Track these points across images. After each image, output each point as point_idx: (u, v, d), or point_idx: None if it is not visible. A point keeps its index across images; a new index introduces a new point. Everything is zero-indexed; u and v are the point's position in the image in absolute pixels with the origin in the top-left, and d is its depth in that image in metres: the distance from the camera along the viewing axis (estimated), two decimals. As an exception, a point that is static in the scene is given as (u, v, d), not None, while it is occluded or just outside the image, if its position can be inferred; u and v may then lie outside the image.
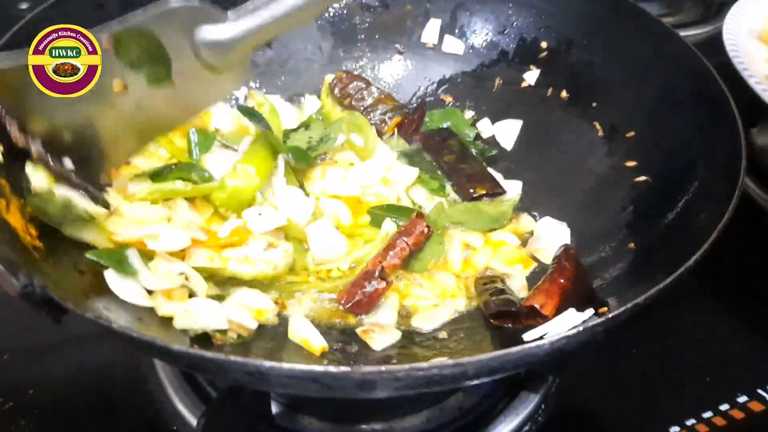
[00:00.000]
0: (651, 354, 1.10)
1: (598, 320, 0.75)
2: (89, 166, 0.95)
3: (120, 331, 0.68)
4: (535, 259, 1.12)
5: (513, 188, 1.23)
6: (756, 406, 1.05)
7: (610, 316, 0.74)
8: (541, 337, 0.85)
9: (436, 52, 1.38)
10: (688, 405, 1.05)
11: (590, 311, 0.91)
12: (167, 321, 0.89)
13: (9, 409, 1.02)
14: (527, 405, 1.04)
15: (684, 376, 1.09)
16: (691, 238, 0.86)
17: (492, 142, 1.31)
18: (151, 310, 0.90)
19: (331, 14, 1.38)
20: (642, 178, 1.10)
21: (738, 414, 1.04)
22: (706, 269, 1.15)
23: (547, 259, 1.09)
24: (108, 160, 1.00)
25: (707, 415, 1.04)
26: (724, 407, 1.05)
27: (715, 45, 1.31)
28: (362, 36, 1.39)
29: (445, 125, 1.31)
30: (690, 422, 1.03)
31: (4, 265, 0.69)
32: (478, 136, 1.31)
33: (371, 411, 1.02)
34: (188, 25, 0.94)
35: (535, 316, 0.94)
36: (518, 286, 1.07)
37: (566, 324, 0.89)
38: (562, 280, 0.98)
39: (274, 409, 1.01)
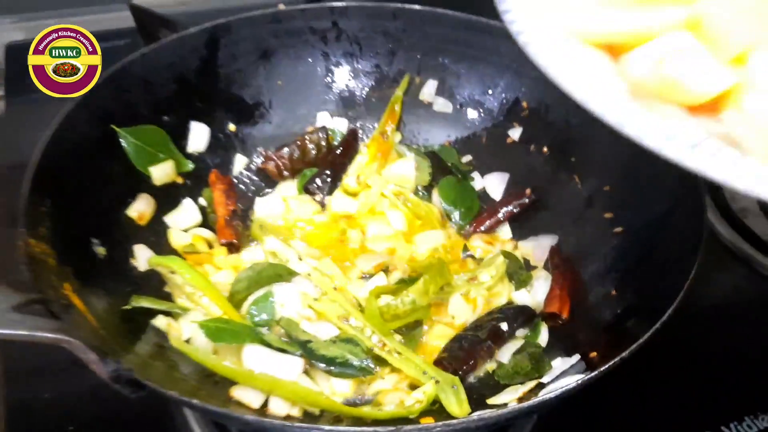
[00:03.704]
0: (626, 397, 1.17)
1: (592, 374, 0.89)
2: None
3: (201, 407, 0.79)
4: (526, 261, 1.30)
5: (504, 232, 1.37)
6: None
7: (601, 369, 0.89)
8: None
9: (428, 111, 1.50)
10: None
11: (576, 356, 1.06)
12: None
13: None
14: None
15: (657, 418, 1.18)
16: (662, 292, 0.99)
17: (482, 194, 1.43)
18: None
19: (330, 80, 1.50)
20: (618, 229, 1.24)
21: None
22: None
23: (538, 262, 1.29)
24: None
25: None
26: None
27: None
28: (362, 98, 1.52)
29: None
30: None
31: (96, 352, 0.79)
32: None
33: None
34: None
35: (556, 319, 1.18)
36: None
37: (558, 370, 1.06)
38: (567, 284, 1.20)
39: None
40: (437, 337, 1.17)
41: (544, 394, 0.95)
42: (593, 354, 1.03)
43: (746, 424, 1.17)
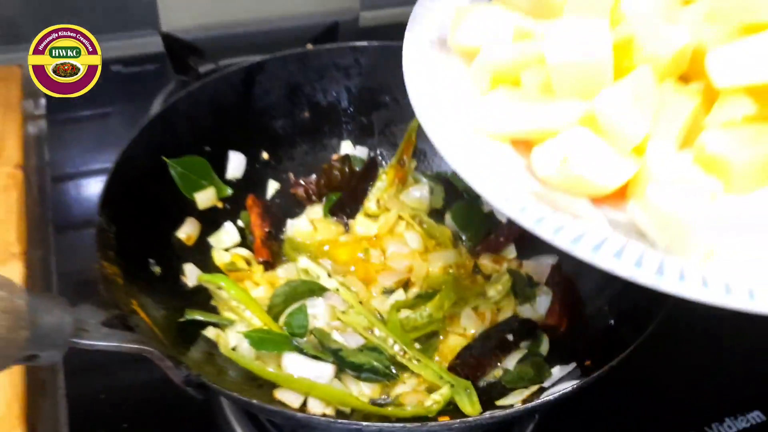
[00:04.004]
0: (618, 399, 1.30)
1: (586, 380, 1.03)
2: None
3: (259, 406, 0.94)
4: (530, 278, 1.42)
5: (509, 252, 1.50)
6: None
7: (593, 375, 1.03)
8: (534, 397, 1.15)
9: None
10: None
11: (573, 364, 1.20)
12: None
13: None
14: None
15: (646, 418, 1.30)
16: (648, 308, 1.12)
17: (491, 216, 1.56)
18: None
19: (352, 112, 1.65)
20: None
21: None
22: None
23: (540, 279, 1.41)
24: None
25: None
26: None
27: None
28: (380, 128, 1.66)
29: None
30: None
31: (171, 360, 0.95)
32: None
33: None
34: None
35: (556, 331, 1.30)
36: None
37: (557, 376, 1.20)
38: (566, 300, 1.33)
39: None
40: (451, 346, 1.32)
41: (545, 397, 1.10)
42: (588, 362, 1.16)
43: (726, 424, 1.29)
